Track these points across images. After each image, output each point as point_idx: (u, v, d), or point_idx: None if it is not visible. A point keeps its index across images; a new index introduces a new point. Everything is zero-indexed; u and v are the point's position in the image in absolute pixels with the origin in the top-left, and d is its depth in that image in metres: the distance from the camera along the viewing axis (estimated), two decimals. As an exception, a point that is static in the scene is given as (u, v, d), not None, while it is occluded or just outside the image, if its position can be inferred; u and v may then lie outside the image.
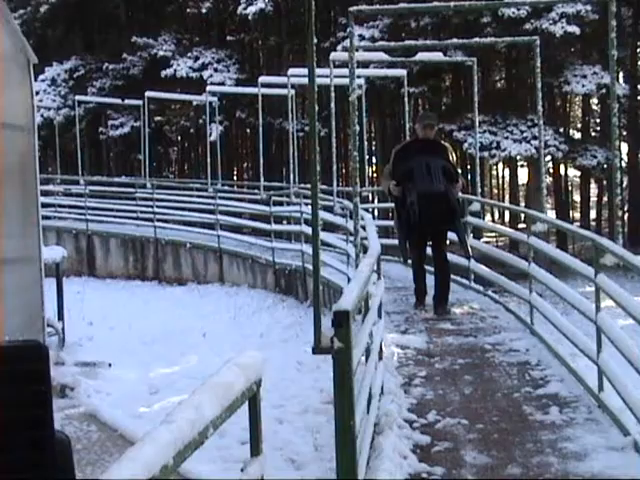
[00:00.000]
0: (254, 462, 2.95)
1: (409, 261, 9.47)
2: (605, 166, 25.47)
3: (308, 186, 10.90)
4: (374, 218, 20.17)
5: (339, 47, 22.02)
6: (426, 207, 8.54)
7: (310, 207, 6.17)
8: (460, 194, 9.51)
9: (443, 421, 5.57)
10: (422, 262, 9.26)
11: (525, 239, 8.45)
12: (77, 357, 10.63)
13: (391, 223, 18.37)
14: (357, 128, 8.43)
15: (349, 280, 9.50)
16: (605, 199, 33.13)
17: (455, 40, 12.36)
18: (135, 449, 2.09)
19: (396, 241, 15.02)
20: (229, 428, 6.47)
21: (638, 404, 4.85)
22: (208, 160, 23.21)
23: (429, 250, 9.48)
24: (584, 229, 11.68)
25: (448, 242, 9.50)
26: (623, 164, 31.75)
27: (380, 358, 6.12)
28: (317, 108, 5.82)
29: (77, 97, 27.00)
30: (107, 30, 32.74)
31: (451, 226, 8.94)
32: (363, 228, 9.71)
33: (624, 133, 31.85)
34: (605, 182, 31.16)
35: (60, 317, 11.45)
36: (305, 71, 5.88)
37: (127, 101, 25.67)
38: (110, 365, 10.42)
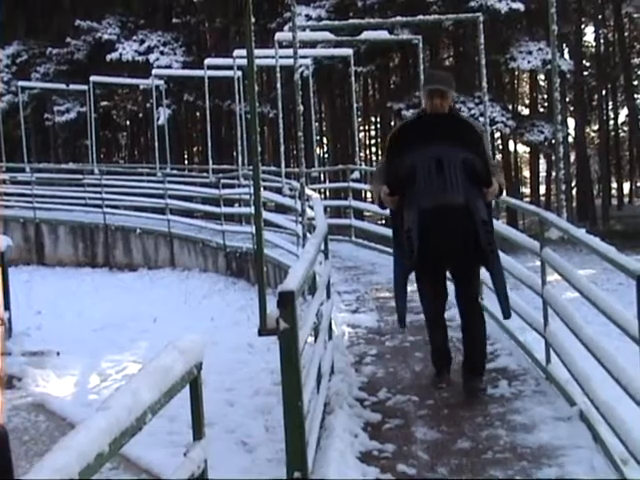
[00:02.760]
0: (197, 446, 2.92)
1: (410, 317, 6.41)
2: (553, 141, 25.73)
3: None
4: (325, 198, 20.19)
5: (286, 27, 21.85)
6: (433, 235, 5.23)
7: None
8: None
9: (394, 398, 5.59)
10: (439, 312, 5.91)
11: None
12: (25, 347, 10.47)
13: (343, 202, 18.22)
14: (301, 108, 8.35)
15: (299, 261, 9.41)
16: (554, 174, 33.50)
17: (400, 18, 12.32)
18: (69, 438, 2.05)
19: (347, 220, 14.92)
20: (180, 412, 6.42)
21: (583, 375, 4.91)
22: (156, 144, 22.96)
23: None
24: (534, 204, 11.83)
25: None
26: (570, 139, 32.16)
27: (330, 337, 6.11)
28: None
29: (20, 83, 26.44)
30: (50, 14, 32.10)
31: (479, 261, 5.54)
32: (311, 208, 9.70)
33: (571, 108, 32.25)
34: (554, 157, 31.49)
35: (6, 307, 11.25)
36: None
37: (72, 86, 25.22)
38: (58, 354, 10.28)
